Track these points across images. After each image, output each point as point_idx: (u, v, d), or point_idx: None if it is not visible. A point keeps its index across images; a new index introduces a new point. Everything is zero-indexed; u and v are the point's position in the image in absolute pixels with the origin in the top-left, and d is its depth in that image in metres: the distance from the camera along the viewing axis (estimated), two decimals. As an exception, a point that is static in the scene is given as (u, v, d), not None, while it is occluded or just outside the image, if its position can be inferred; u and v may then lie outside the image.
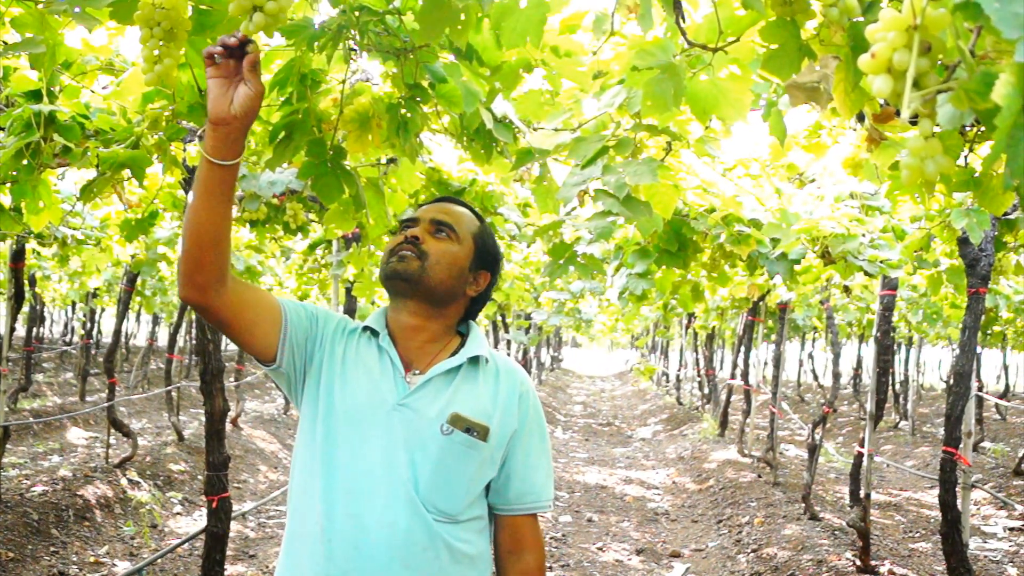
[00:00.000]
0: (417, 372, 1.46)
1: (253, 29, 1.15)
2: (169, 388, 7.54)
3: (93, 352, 14.22)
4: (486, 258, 1.56)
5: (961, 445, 3.58)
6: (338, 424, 1.41)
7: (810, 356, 17.52)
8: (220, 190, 1.28)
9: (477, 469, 1.43)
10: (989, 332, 9.76)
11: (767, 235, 3.20)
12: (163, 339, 18.02)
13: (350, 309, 4.88)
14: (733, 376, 9.99)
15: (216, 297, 1.33)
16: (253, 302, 1.40)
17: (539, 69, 1.73)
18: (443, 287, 1.47)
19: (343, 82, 1.71)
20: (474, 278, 1.54)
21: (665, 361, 18.78)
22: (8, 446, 5.81)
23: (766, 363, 14.59)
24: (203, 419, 4.34)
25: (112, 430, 6.09)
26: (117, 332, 6.75)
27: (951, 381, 3.49)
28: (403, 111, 1.68)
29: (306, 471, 1.43)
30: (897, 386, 12.49)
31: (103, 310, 14.61)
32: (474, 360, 1.48)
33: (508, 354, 11.04)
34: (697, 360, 14.15)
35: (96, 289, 10.24)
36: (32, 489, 5.20)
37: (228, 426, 6.82)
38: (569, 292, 6.61)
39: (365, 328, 1.50)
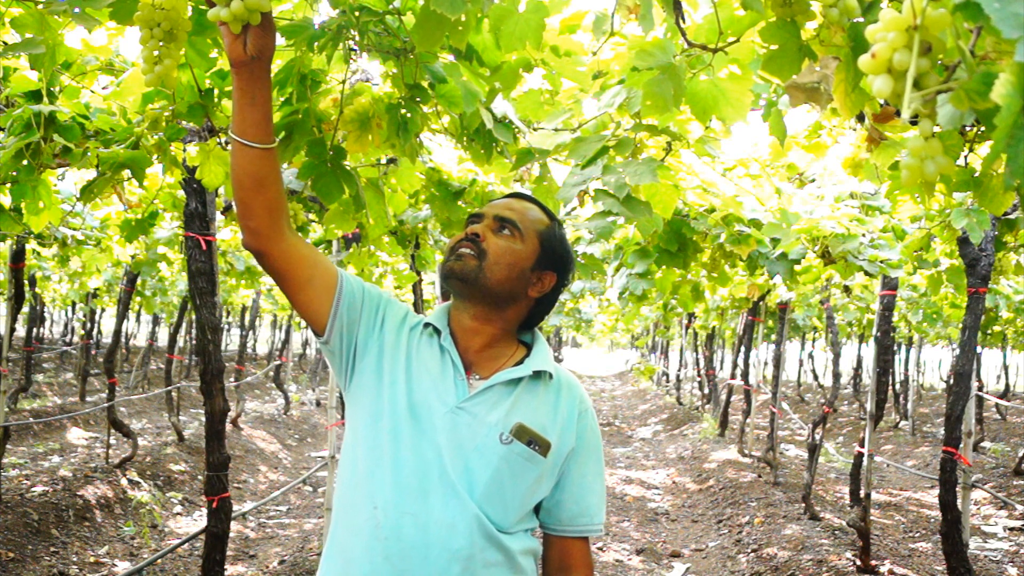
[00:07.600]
0: (479, 377, 1.42)
1: (226, 16, 1.16)
2: (169, 388, 7.54)
3: (93, 352, 14.22)
4: (552, 258, 1.48)
5: (961, 445, 3.57)
6: (401, 420, 1.36)
7: (810, 356, 17.53)
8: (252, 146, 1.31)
9: (533, 483, 1.39)
10: (989, 332, 9.75)
11: (767, 235, 3.20)
12: (163, 339, 18.06)
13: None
14: (733, 376, 9.98)
15: (270, 244, 1.36)
16: (311, 260, 1.40)
17: (539, 69, 1.73)
18: (502, 287, 1.41)
19: (343, 82, 1.71)
20: (537, 278, 1.46)
21: (665, 361, 18.77)
22: (8, 446, 5.81)
23: (766, 363, 14.62)
24: (203, 419, 4.33)
25: (112, 430, 6.09)
26: (117, 332, 6.75)
27: (951, 381, 3.49)
28: (403, 111, 1.68)
29: (363, 464, 1.37)
30: (897, 386, 12.48)
31: (103, 310, 14.60)
32: (537, 374, 1.43)
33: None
34: (697, 360, 14.15)
35: (96, 289, 10.24)
36: (32, 489, 5.20)
37: (228, 426, 6.82)
38: (569, 292, 6.60)
39: (427, 324, 1.46)
